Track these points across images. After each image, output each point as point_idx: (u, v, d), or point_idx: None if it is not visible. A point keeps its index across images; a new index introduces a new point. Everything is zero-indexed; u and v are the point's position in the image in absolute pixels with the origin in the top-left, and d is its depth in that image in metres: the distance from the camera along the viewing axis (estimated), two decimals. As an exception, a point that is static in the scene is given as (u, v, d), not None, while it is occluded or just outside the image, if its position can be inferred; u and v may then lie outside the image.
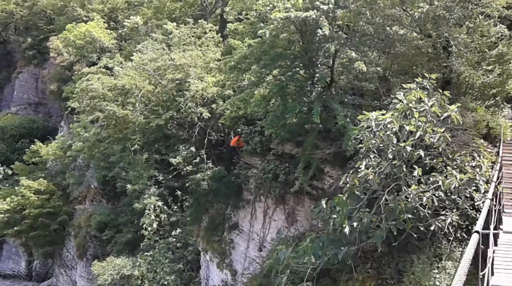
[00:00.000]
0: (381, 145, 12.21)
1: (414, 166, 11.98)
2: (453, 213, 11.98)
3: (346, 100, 16.93)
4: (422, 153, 11.95)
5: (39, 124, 52.08)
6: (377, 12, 16.30)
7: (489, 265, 7.35)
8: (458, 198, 12.10)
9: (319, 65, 17.05)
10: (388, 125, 11.96)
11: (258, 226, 20.22)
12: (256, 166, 20.30)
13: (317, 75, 16.38)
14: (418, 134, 11.73)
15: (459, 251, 12.22)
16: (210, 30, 27.13)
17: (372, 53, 17.84)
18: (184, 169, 21.67)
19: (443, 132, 12.02)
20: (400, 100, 12.22)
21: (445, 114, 12.14)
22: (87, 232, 34.76)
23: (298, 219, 18.43)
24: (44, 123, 52.70)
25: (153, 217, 27.32)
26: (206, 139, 22.08)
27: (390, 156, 11.96)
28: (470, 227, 12.04)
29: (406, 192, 11.52)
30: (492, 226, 9.47)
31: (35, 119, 52.79)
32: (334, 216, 12.65)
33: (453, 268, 11.81)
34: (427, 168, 12.37)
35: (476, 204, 12.37)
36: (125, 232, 31.30)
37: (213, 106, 21.98)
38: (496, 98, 16.80)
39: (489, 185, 11.79)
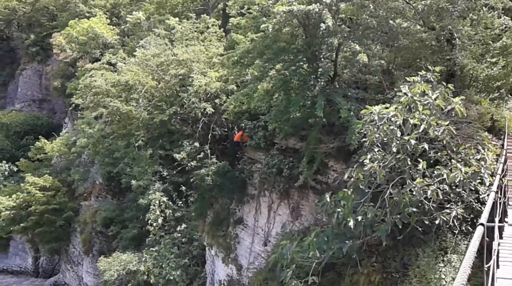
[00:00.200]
0: (385, 139, 12.18)
1: (419, 159, 11.94)
2: (458, 206, 11.96)
3: (349, 94, 16.87)
4: (426, 146, 11.92)
5: (44, 121, 52.32)
6: (380, 5, 16.21)
7: (494, 257, 7.34)
8: (463, 191, 12.07)
9: (322, 59, 16.98)
10: (392, 119, 11.92)
11: (262, 221, 20.26)
12: (260, 160, 20.31)
13: (320, 69, 16.32)
14: (422, 127, 11.69)
15: (464, 244, 12.20)
16: (212, 25, 27.08)
17: (376, 46, 17.76)
18: (188, 164, 21.72)
19: (448, 125, 11.97)
20: (405, 93, 12.17)
21: (449, 107, 12.09)
22: (92, 228, 34.97)
23: (303, 213, 18.45)
24: (48, 120, 52.95)
25: (158, 212, 27.45)
26: (210, 134, 22.09)
27: (394, 150, 11.94)
28: (475, 220, 12.02)
29: (410, 186, 11.49)
30: (497, 219, 9.45)
31: (39, 116, 53.01)
32: (339, 210, 12.65)
33: (459, 262, 11.80)
34: (431, 162, 12.33)
35: (481, 197, 12.34)
36: (130, 227, 31.49)
37: (217, 101, 21.98)
38: (501, 91, 16.72)
39: (494, 178, 11.75)
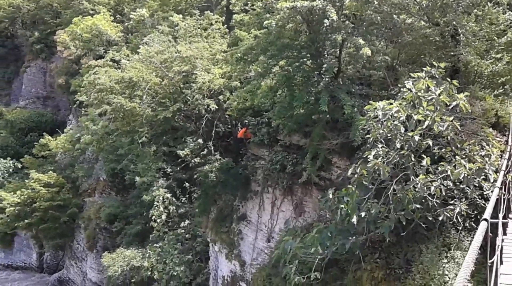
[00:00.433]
0: (389, 135, 12.15)
1: (423, 155, 11.91)
2: (461, 203, 11.93)
3: (353, 90, 16.83)
4: (430, 142, 11.88)
5: (48, 118, 52.50)
6: (385, 0, 16.15)
7: (498, 253, 7.33)
8: (467, 188, 12.03)
9: (326, 55, 16.94)
10: (396, 115, 11.89)
11: (266, 217, 20.28)
12: (264, 157, 20.32)
13: (324, 65, 16.29)
14: (426, 123, 11.65)
15: (468, 240, 12.16)
16: (216, 22, 27.04)
17: (380, 42, 17.70)
18: (192, 161, 21.76)
19: (452, 121, 11.93)
20: (409, 89, 12.13)
21: (454, 103, 12.04)
22: (96, 224, 35.12)
23: (306, 209, 18.45)
24: (52, 117, 53.14)
25: (161, 209, 27.56)
26: (213, 131, 22.10)
27: (398, 146, 11.91)
28: (479, 217, 11.96)
29: (414, 182, 11.47)
30: (501, 215, 9.43)
31: (43, 113, 53.23)
32: (342, 206, 12.65)
33: (462, 258, 11.78)
34: (435, 158, 12.30)
35: (485, 193, 12.30)
36: (134, 224, 31.62)
37: (220, 97, 21.97)
38: (505, 87, 16.63)
39: (498, 174, 11.71)
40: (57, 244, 41.27)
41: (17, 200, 38.67)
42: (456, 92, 12.31)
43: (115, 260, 28.10)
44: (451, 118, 11.97)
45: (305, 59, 16.98)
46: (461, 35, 15.90)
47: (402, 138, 11.86)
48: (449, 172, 11.47)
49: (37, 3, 54.92)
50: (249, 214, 21.46)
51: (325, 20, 15.25)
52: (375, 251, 13.44)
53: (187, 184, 27.69)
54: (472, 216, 12.36)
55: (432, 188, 11.25)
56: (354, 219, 11.99)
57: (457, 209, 11.78)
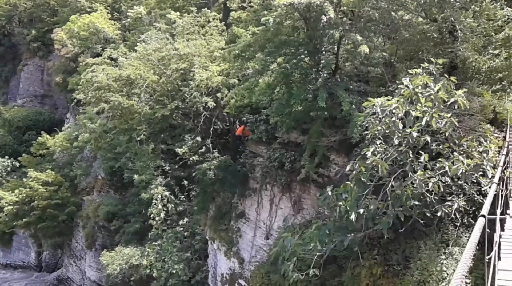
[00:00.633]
0: (387, 132, 12.15)
1: (421, 152, 11.92)
2: (459, 199, 11.94)
3: (351, 87, 16.82)
4: (428, 138, 11.89)
5: (46, 116, 52.38)
6: (382, -3, 16.13)
7: (495, 249, 7.32)
8: (465, 184, 12.04)
9: (324, 52, 16.92)
10: (394, 111, 11.89)
11: (264, 215, 20.28)
12: (262, 154, 20.31)
13: (322, 62, 16.27)
14: (424, 119, 11.64)
15: (466, 236, 12.18)
16: (213, 19, 26.99)
17: (377, 38, 17.68)
18: (190, 158, 21.77)
19: (450, 117, 11.93)
20: (407, 86, 12.13)
21: (452, 99, 12.04)
22: (95, 223, 35.07)
23: (305, 207, 18.46)
24: (50, 115, 53.01)
25: (160, 206, 27.53)
26: (211, 129, 22.09)
27: (396, 142, 11.91)
28: (477, 213, 11.99)
29: (412, 178, 11.47)
30: (498, 211, 9.43)
31: (41, 111, 53.09)
32: (340, 203, 12.65)
33: (460, 254, 11.79)
34: (433, 154, 12.30)
35: (483, 189, 12.31)
36: (133, 222, 31.58)
37: (218, 95, 21.94)
38: (503, 83, 16.64)
39: (496, 170, 11.71)
40: (55, 242, 41.24)
41: (15, 199, 38.62)
42: (454, 88, 12.31)
43: (113, 259, 28.09)
44: (449, 115, 11.97)
45: (303, 56, 16.96)
46: (459, 31, 15.88)
47: (400, 134, 11.86)
48: (447, 168, 11.48)
49: (34, 1, 54.72)
50: (248, 212, 21.47)
51: (323, 17, 15.23)
52: (374, 248, 13.46)
53: (185, 182, 27.67)
54: (470, 212, 12.38)
55: (430, 184, 11.25)
56: (353, 216, 11.99)
57: (455, 205, 11.79)
